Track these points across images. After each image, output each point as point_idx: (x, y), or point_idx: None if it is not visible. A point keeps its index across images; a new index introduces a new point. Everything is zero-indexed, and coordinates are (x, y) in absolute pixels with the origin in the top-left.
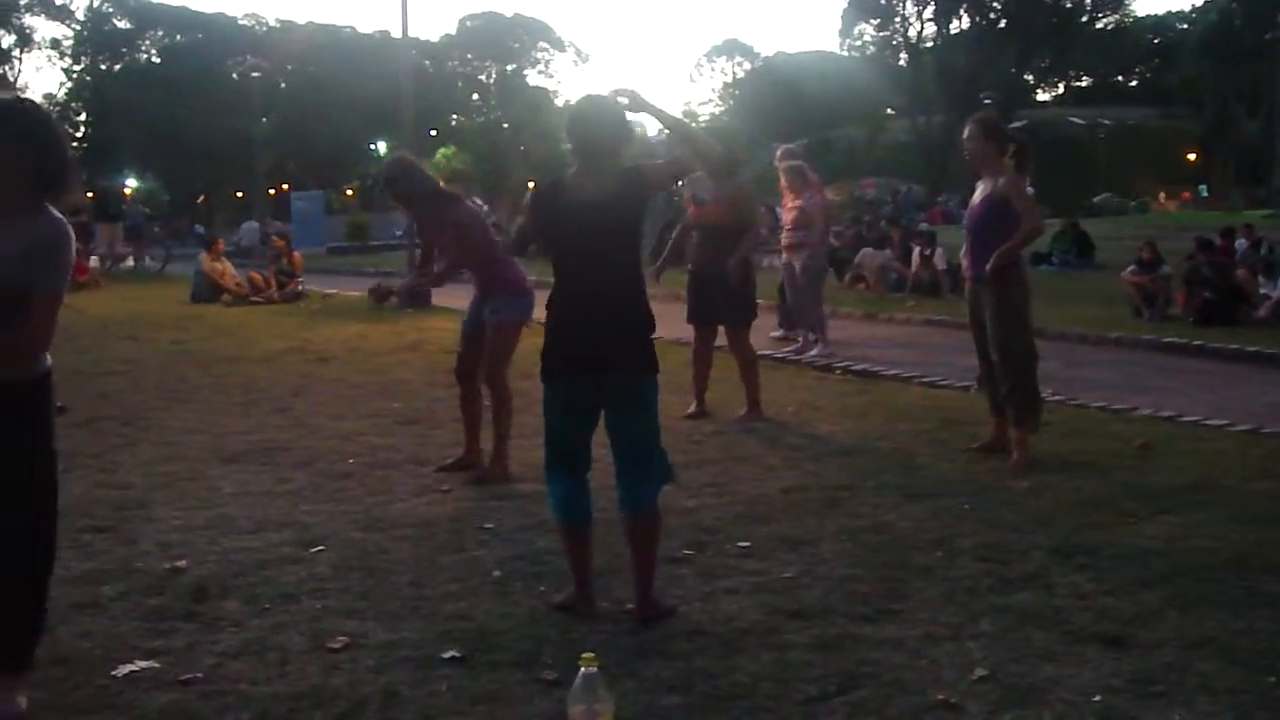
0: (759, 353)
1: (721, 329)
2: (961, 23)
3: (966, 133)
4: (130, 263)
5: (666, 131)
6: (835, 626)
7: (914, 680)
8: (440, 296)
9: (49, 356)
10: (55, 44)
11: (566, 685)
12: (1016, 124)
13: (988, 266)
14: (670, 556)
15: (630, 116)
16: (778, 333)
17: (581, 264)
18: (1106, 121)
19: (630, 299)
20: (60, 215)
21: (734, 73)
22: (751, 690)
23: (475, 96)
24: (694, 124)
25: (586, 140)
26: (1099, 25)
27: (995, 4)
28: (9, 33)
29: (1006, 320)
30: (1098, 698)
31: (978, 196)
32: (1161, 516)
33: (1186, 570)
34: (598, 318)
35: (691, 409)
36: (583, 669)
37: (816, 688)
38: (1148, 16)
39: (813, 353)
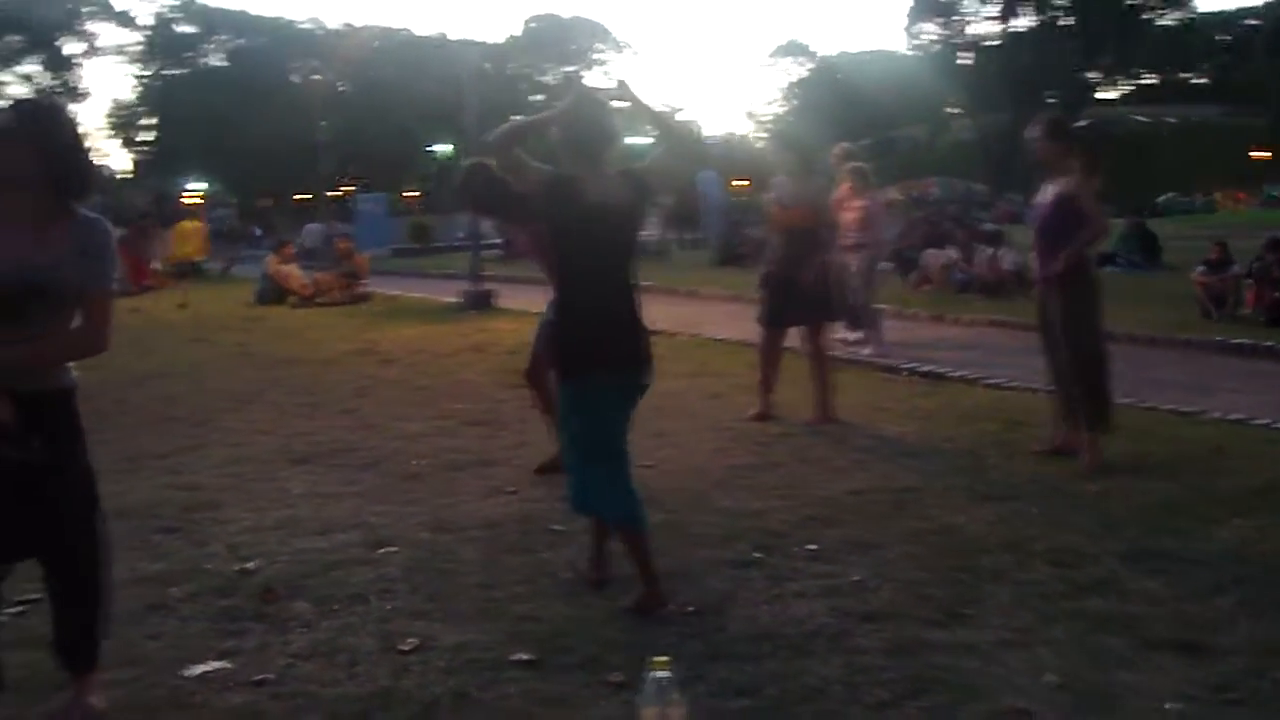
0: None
1: (794, 331)
2: (1025, 20)
3: (1033, 132)
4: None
5: (722, 134)
6: (906, 630)
7: (986, 686)
8: (503, 298)
9: (73, 370)
10: (120, 50)
11: (633, 688)
12: (1082, 123)
13: (1055, 268)
14: (739, 560)
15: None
16: (846, 334)
17: (602, 264)
18: (1171, 120)
19: (636, 301)
20: (96, 215)
21: (796, 74)
22: (821, 694)
23: (538, 98)
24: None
25: (587, 139)
26: (1164, 22)
27: (1059, 1)
28: (76, 39)
29: (1076, 322)
30: (1173, 705)
31: (1046, 197)
32: (1233, 520)
33: (1260, 576)
34: (623, 317)
35: (755, 411)
36: (654, 672)
37: (887, 692)
38: (1214, 12)
39: (866, 352)
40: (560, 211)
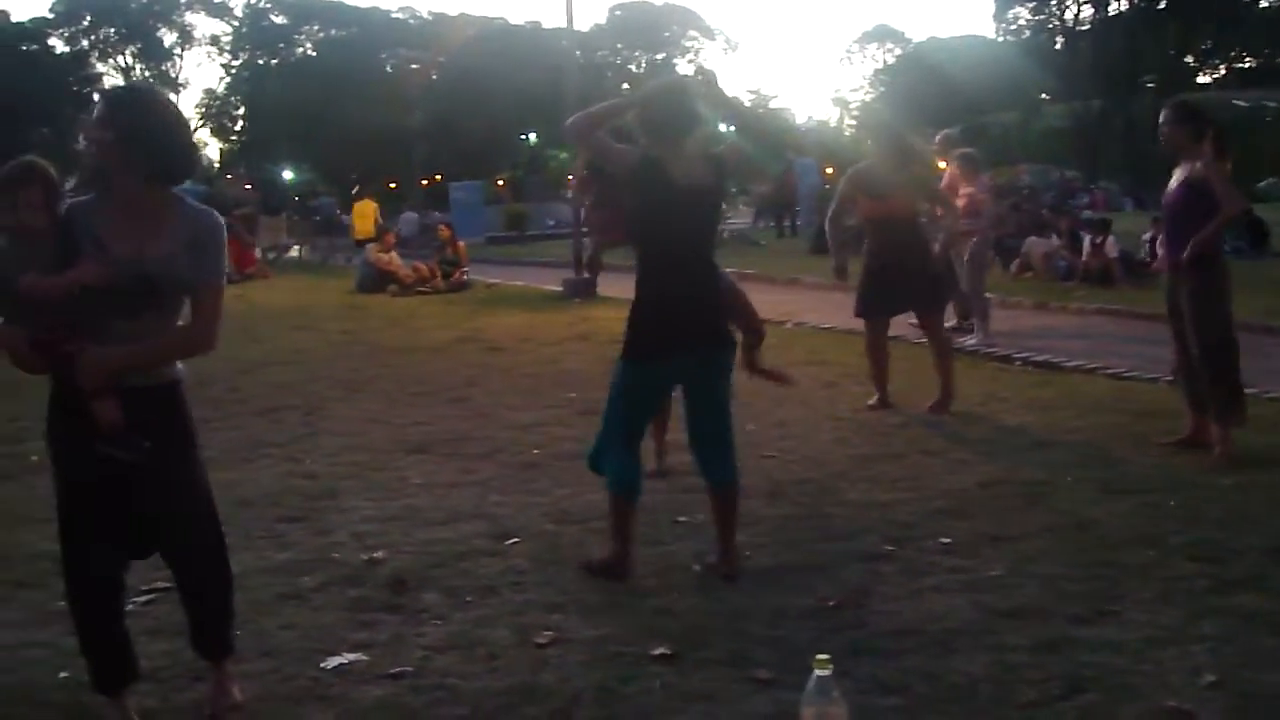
0: None
1: (899, 320)
2: (1120, 5)
3: (1162, 117)
4: (295, 253)
5: (814, 120)
6: (1052, 627)
7: (1141, 685)
8: (606, 286)
9: (181, 365)
10: (215, 40)
11: (782, 685)
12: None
13: (1185, 254)
14: (870, 552)
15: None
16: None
17: (689, 246)
18: (1272, 104)
19: (716, 282)
20: (207, 206)
21: (884, 59)
22: (971, 692)
23: (626, 86)
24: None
25: (669, 122)
26: (1264, 4)
27: None
28: (171, 30)
29: (1206, 310)
30: None
31: (1174, 182)
32: None
33: None
34: (704, 299)
35: (874, 400)
36: (816, 671)
37: (1038, 691)
38: None
39: (971, 340)
40: (646, 192)
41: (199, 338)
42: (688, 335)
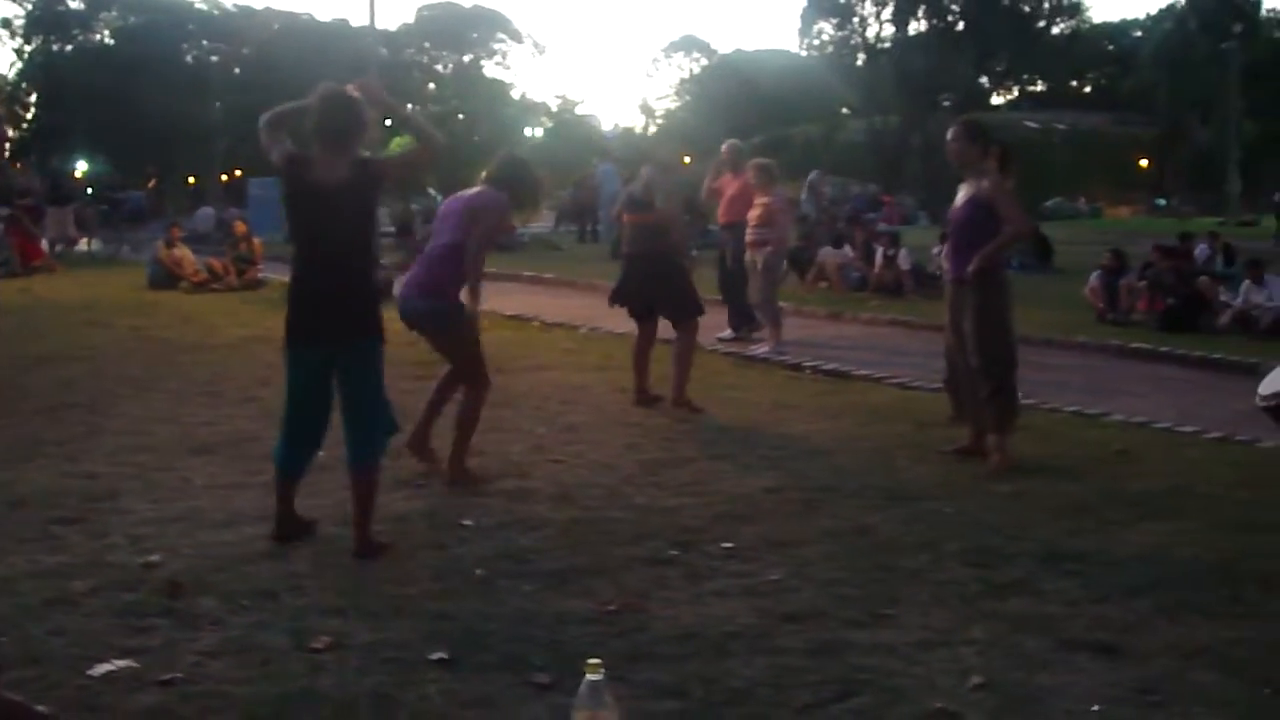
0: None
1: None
2: (920, 24)
3: (950, 134)
4: (83, 246)
5: (620, 128)
6: (828, 630)
7: (911, 687)
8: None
9: None
10: (6, 24)
11: (559, 689)
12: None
13: (970, 269)
14: (655, 557)
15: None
16: (727, 334)
17: (332, 241)
18: (1061, 126)
19: (366, 272)
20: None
21: (691, 69)
22: (748, 696)
23: (431, 86)
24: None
25: (325, 125)
26: (1055, 30)
27: (953, 6)
28: None
29: (989, 323)
30: (1097, 707)
31: (960, 198)
32: (1143, 524)
33: (1174, 578)
34: (348, 290)
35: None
36: (588, 675)
37: (813, 694)
38: (1104, 23)
39: (764, 349)
40: (289, 188)
41: None
42: (331, 325)
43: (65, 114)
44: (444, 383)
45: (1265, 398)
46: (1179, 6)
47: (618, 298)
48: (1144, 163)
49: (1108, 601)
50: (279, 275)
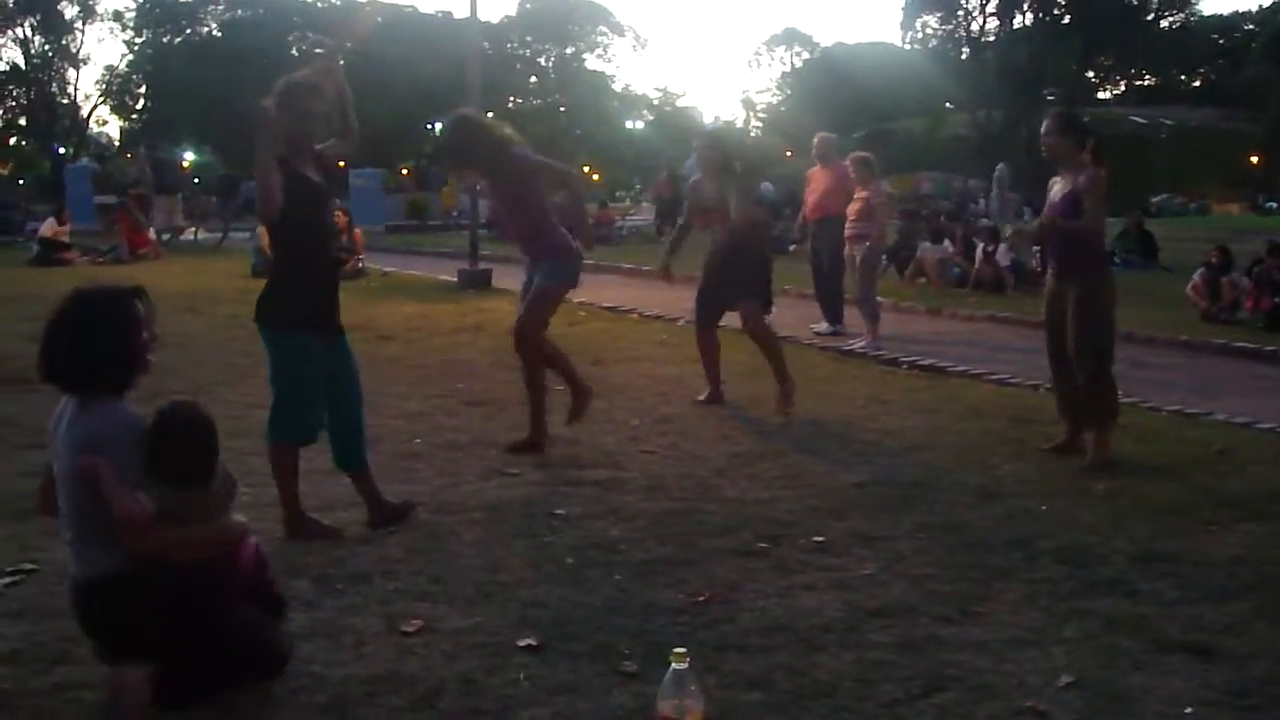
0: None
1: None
2: (1025, 18)
3: (1045, 126)
4: (191, 235)
5: (715, 120)
6: (917, 626)
7: (1000, 685)
8: (500, 278)
9: None
10: (118, 16)
11: (646, 678)
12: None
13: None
14: (744, 549)
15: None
16: (823, 327)
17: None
18: (1168, 122)
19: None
20: None
21: (792, 62)
22: (834, 690)
23: (533, 79)
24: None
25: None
26: (1164, 24)
27: (1059, 0)
28: (72, 4)
29: (1091, 317)
30: (1189, 710)
31: (1057, 193)
32: (1242, 525)
33: (1274, 580)
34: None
35: (704, 395)
36: (673, 664)
37: (901, 689)
38: (1213, 16)
39: (861, 344)
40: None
41: None
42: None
43: (173, 105)
44: (530, 375)
45: None
46: None
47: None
48: (1254, 160)
49: (1204, 603)
50: (379, 265)
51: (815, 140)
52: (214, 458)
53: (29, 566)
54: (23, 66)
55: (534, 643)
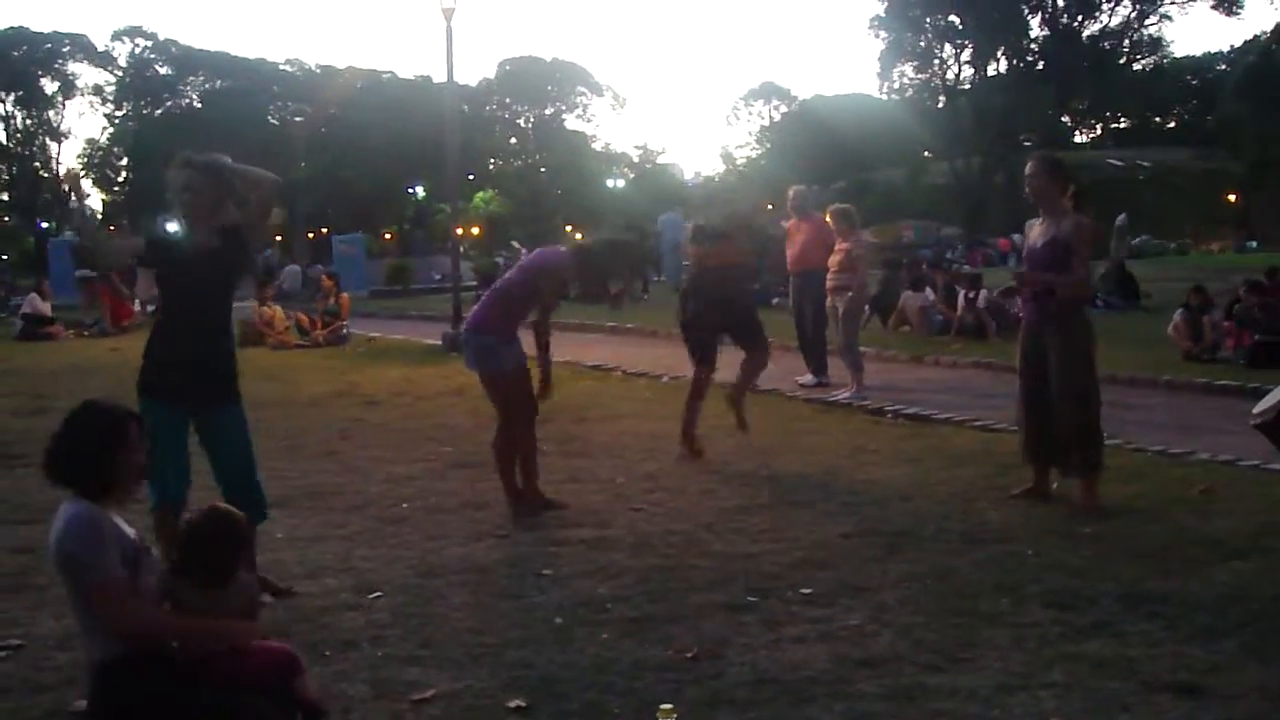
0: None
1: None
2: (999, 65)
3: (1029, 169)
4: None
5: (701, 176)
6: (906, 675)
7: None
8: None
9: None
10: (98, 90)
11: None
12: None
13: (1050, 296)
14: (732, 604)
15: None
16: (808, 379)
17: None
18: (1145, 163)
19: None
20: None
21: (771, 116)
22: None
23: (513, 140)
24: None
25: (189, 196)
26: (1137, 66)
27: (1033, 46)
28: (52, 79)
29: (1074, 362)
30: None
31: (1039, 239)
32: (1229, 563)
33: (1262, 618)
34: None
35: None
36: None
37: None
38: (1185, 57)
39: (845, 394)
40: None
41: None
42: (179, 387)
43: (156, 176)
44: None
45: (1257, 414)
46: (1263, 38)
47: (691, 325)
48: (1231, 198)
49: (1191, 642)
50: (364, 331)
51: (790, 193)
52: (228, 560)
53: (15, 642)
54: (4, 141)
55: (523, 704)
